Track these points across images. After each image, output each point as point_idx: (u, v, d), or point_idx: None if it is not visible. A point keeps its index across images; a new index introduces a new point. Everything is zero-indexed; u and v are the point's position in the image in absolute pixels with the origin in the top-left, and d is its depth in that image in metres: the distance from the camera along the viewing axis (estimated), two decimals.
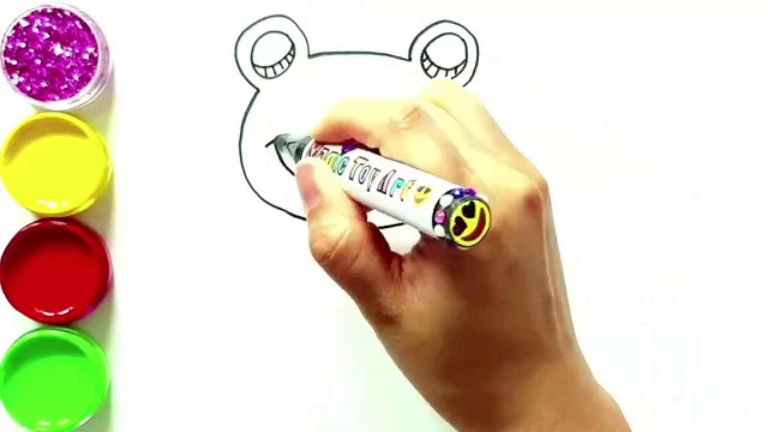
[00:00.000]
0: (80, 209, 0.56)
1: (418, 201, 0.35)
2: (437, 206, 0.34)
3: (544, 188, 0.41)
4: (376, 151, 0.39)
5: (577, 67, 0.58)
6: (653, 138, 0.59)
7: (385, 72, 0.58)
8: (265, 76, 0.58)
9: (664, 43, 0.59)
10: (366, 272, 0.39)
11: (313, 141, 0.44)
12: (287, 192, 0.58)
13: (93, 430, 0.58)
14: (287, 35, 0.58)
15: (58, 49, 0.55)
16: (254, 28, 0.58)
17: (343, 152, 0.40)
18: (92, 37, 0.55)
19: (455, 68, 0.58)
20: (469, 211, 0.34)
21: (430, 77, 0.58)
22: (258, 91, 0.58)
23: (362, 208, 0.40)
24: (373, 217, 0.42)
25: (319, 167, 0.42)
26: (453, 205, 0.34)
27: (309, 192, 0.42)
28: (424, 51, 0.58)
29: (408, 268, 0.39)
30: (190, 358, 0.58)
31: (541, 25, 0.58)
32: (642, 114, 0.59)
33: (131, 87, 0.58)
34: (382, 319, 0.40)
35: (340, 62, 0.58)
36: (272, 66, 0.58)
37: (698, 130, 0.59)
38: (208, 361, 0.58)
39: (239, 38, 0.58)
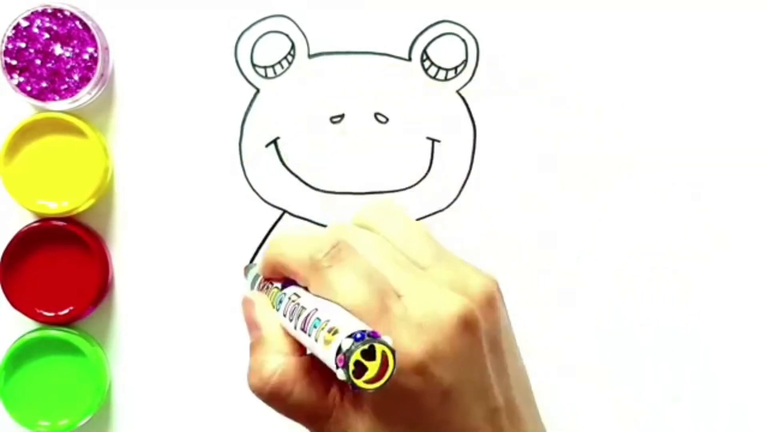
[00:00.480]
0: (80, 209, 0.56)
1: (327, 343, 0.35)
2: (339, 349, 0.34)
3: (489, 298, 0.39)
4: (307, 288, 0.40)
5: (577, 67, 0.58)
6: (653, 138, 0.59)
7: (385, 72, 0.58)
8: (265, 76, 0.58)
9: (664, 43, 0.59)
10: (304, 405, 0.39)
11: (260, 277, 0.44)
12: (287, 192, 0.58)
13: (93, 430, 0.58)
14: (287, 35, 0.58)
15: (58, 49, 0.55)
16: (254, 28, 0.58)
17: (282, 288, 0.41)
18: (92, 37, 0.55)
19: (455, 68, 0.58)
20: (369, 354, 0.34)
21: (431, 77, 0.58)
22: (258, 91, 0.58)
23: (299, 343, 0.40)
24: None
25: (259, 303, 0.43)
26: (353, 348, 0.34)
27: (249, 326, 0.43)
28: (424, 51, 0.58)
29: (348, 393, 0.39)
30: (190, 358, 0.58)
31: (541, 25, 0.58)
32: (642, 114, 0.59)
33: (131, 87, 0.58)
34: None
35: (340, 62, 0.58)
36: (272, 66, 0.58)
37: (698, 130, 0.59)
38: (208, 361, 0.58)
39: (239, 38, 0.58)
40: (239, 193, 0.58)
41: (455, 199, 0.59)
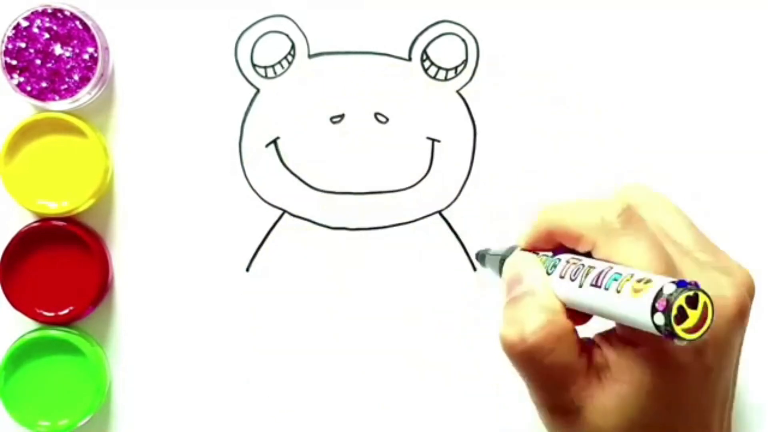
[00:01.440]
0: (80, 209, 0.56)
1: (637, 291, 0.34)
2: (659, 294, 0.33)
3: (752, 291, 0.40)
4: (587, 255, 0.39)
5: (577, 67, 0.58)
6: (653, 138, 0.59)
7: (385, 72, 0.58)
8: (265, 76, 0.58)
9: (664, 43, 0.58)
10: (557, 366, 0.38)
11: (518, 249, 0.43)
12: (287, 192, 0.58)
13: (93, 430, 0.58)
14: (287, 35, 0.58)
15: (58, 49, 0.55)
16: (254, 28, 0.58)
17: (554, 255, 0.40)
18: (92, 37, 0.55)
19: (455, 68, 0.58)
20: (691, 302, 0.33)
21: (431, 77, 0.58)
22: (258, 91, 0.58)
23: (565, 307, 0.39)
24: None
25: (530, 259, 0.41)
26: (676, 293, 0.33)
27: (513, 281, 0.41)
28: (424, 51, 0.58)
29: (597, 359, 0.38)
30: (190, 358, 0.58)
31: (541, 25, 0.58)
32: (642, 114, 0.59)
33: (131, 87, 0.58)
34: (559, 410, 0.39)
35: (340, 62, 0.58)
36: (272, 66, 0.58)
37: (698, 130, 0.59)
38: (209, 361, 0.58)
39: (239, 38, 0.58)
40: (239, 193, 0.58)
41: (455, 199, 0.58)
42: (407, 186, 0.58)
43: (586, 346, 0.39)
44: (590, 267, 0.37)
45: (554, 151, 0.58)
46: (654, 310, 0.33)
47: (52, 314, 0.56)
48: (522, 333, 0.38)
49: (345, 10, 0.58)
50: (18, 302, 0.56)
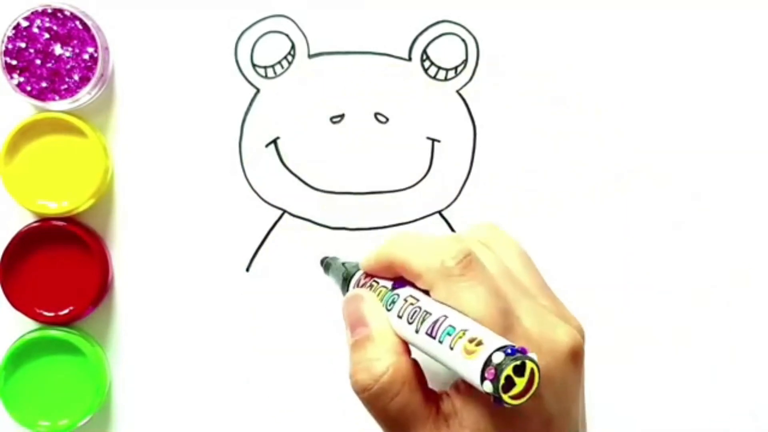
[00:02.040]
0: (80, 209, 0.56)
1: (469, 353, 0.35)
2: (488, 362, 0.34)
3: (583, 337, 0.41)
4: (426, 292, 0.40)
5: (577, 67, 0.58)
6: (653, 138, 0.59)
7: (385, 72, 0.58)
8: (265, 76, 0.58)
9: (664, 43, 0.59)
10: (405, 409, 0.39)
11: (362, 272, 0.44)
12: (287, 192, 0.58)
13: (93, 430, 0.58)
14: (287, 35, 0.58)
15: (58, 49, 0.55)
16: (254, 28, 0.58)
17: (394, 288, 0.40)
18: (92, 37, 0.55)
19: (455, 68, 0.58)
20: (519, 370, 0.34)
21: (431, 77, 0.58)
22: (258, 91, 0.58)
23: (406, 345, 0.40)
24: None
25: (369, 299, 0.42)
26: (504, 364, 0.33)
27: (356, 323, 0.41)
28: (424, 51, 0.58)
29: (445, 406, 0.39)
30: (190, 358, 0.58)
31: (541, 25, 0.58)
32: (642, 114, 0.59)
33: (131, 87, 0.58)
34: None
35: (340, 62, 0.58)
36: (272, 66, 0.58)
37: (698, 130, 0.59)
38: (208, 360, 0.58)
39: (239, 38, 0.58)
40: (239, 193, 0.58)
41: (455, 199, 0.59)
42: (407, 186, 0.58)
43: (434, 392, 0.40)
44: (426, 312, 0.38)
45: (554, 151, 0.58)
46: (483, 378, 0.34)
47: (52, 314, 0.56)
48: (371, 375, 0.39)
49: (345, 10, 0.58)
50: (18, 302, 0.56)
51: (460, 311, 0.37)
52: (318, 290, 0.58)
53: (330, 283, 0.45)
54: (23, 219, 0.57)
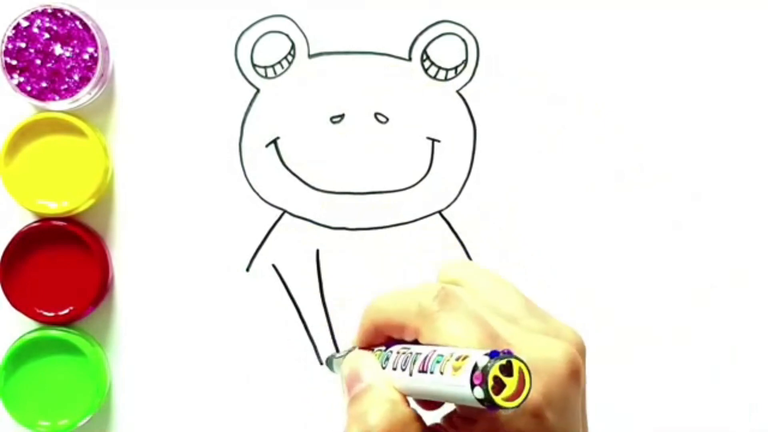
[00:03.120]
0: (80, 209, 0.56)
1: (456, 369, 0.34)
2: (474, 368, 0.33)
3: (582, 350, 0.40)
4: (416, 343, 0.40)
5: (576, 67, 0.58)
6: (653, 137, 0.59)
7: (385, 72, 0.58)
8: (265, 76, 0.58)
9: (664, 43, 0.59)
10: None
11: (357, 348, 0.44)
12: (287, 192, 0.58)
13: (93, 430, 0.58)
14: (287, 35, 0.58)
15: (58, 49, 0.55)
16: (254, 28, 0.58)
17: (387, 348, 0.41)
18: (92, 37, 0.55)
19: (455, 68, 0.58)
20: (506, 370, 0.33)
21: (431, 77, 0.58)
22: (258, 91, 0.58)
23: (404, 396, 0.40)
24: None
25: (365, 357, 0.42)
26: (489, 365, 0.33)
27: (352, 380, 0.41)
28: (424, 51, 0.58)
29: None
30: (190, 358, 0.58)
31: (541, 25, 0.58)
32: (642, 113, 0.59)
33: (131, 87, 0.58)
34: None
35: (340, 62, 0.58)
36: (272, 66, 0.58)
37: (698, 130, 0.59)
38: (208, 360, 0.58)
39: (239, 38, 0.58)
40: (239, 193, 0.58)
41: (455, 199, 0.59)
42: (407, 186, 0.58)
43: (433, 429, 0.39)
44: (417, 354, 0.38)
45: (554, 151, 0.58)
46: (473, 385, 0.33)
47: (52, 314, 0.56)
48: (369, 424, 0.39)
49: (345, 10, 0.58)
50: (18, 302, 0.56)
51: (451, 345, 0.37)
52: (318, 290, 0.58)
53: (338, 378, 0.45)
54: (23, 219, 0.57)
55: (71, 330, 0.57)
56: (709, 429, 0.59)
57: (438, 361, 0.36)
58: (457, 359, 0.35)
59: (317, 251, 0.58)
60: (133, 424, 0.59)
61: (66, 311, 0.56)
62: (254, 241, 0.58)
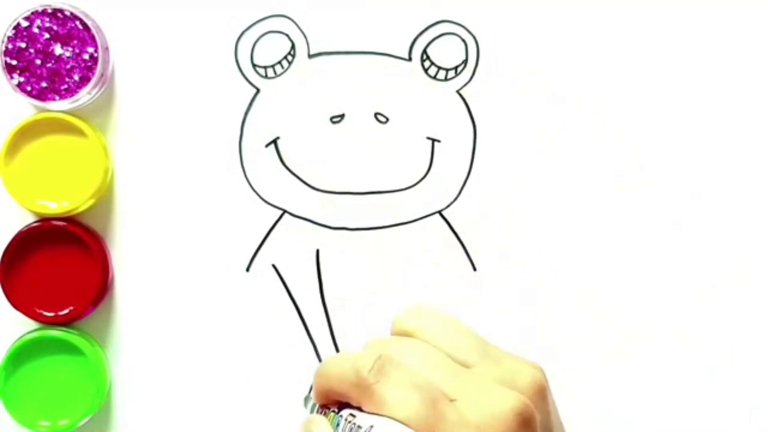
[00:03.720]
0: (80, 209, 0.56)
1: None
2: None
3: (540, 388, 0.40)
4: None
5: (577, 66, 0.58)
6: (653, 137, 0.59)
7: (385, 72, 0.58)
8: (265, 76, 0.58)
9: (664, 43, 0.59)
10: None
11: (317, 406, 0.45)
12: (287, 192, 0.58)
13: (93, 430, 0.58)
14: (287, 35, 0.58)
15: (58, 49, 0.55)
16: (254, 28, 0.58)
17: (339, 410, 0.41)
18: (92, 37, 0.55)
19: (455, 68, 0.58)
20: None
21: (431, 77, 0.58)
22: (258, 91, 0.58)
23: None
24: None
25: (318, 424, 0.42)
26: None
27: None
28: (424, 51, 0.58)
29: None
30: (190, 358, 0.58)
31: (541, 25, 0.58)
32: (642, 113, 0.59)
33: (131, 87, 0.58)
34: None
35: (340, 62, 0.58)
36: (272, 66, 0.58)
37: (698, 130, 0.59)
38: (209, 361, 0.58)
39: (239, 38, 0.58)
40: (239, 193, 0.58)
41: (455, 199, 0.59)
42: (407, 186, 0.58)
43: None
44: (359, 427, 0.38)
45: (554, 151, 0.58)
46: None
47: (52, 314, 0.56)
48: None
49: (345, 10, 0.58)
50: (18, 302, 0.56)
51: (388, 416, 0.37)
52: (318, 290, 0.58)
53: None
54: (23, 219, 0.57)
55: (71, 330, 0.57)
56: (709, 429, 0.59)
57: None
58: None
59: (317, 251, 0.59)
60: (133, 424, 0.59)
61: (66, 311, 0.56)
62: (254, 241, 0.58)
